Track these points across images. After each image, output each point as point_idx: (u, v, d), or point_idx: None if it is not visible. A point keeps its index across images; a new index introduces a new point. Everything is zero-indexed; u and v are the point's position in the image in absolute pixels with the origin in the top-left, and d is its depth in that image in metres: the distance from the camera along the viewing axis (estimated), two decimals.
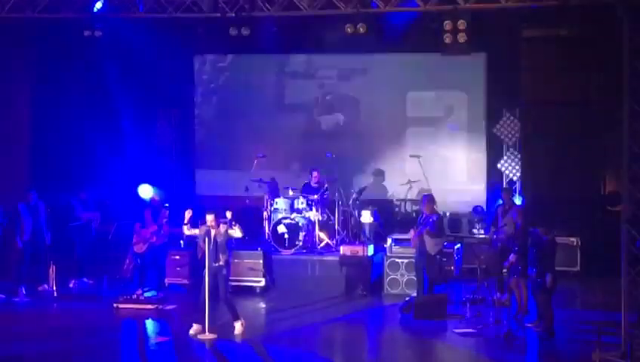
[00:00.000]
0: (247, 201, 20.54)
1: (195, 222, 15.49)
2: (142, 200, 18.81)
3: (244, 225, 20.00)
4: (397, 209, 21.83)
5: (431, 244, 16.64)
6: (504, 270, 16.44)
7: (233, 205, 20.84)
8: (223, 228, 15.15)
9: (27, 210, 18.01)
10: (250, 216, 20.59)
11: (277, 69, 22.46)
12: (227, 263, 15.21)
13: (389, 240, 18.30)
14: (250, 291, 18.09)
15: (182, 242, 18.44)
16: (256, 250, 18.85)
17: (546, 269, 14.63)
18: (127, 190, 19.65)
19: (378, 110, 21.93)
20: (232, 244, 15.33)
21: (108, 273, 18.69)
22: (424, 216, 16.90)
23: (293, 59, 22.29)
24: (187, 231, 15.48)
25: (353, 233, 20.06)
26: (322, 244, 19.54)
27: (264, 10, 17.14)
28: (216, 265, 14.89)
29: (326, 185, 20.17)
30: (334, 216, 19.80)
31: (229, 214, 15.31)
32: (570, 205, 19.14)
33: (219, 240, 14.97)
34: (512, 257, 15.54)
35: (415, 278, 17.28)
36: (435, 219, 16.71)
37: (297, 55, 22.16)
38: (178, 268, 18.62)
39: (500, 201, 18.09)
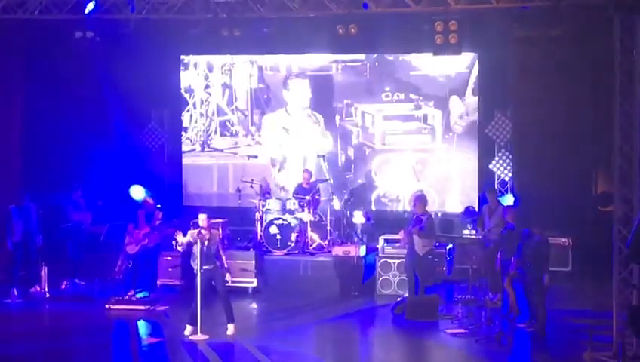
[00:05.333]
0: (238, 201, 20.62)
1: (185, 225, 15.49)
2: (134, 202, 18.80)
3: (236, 227, 20.33)
4: (389, 209, 21.84)
5: (420, 244, 16.65)
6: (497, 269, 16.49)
7: (223, 207, 21.11)
8: (215, 233, 15.19)
9: (18, 213, 18.00)
10: (241, 217, 20.75)
11: (269, 70, 22.44)
12: (222, 267, 15.17)
13: (381, 241, 18.32)
14: (242, 292, 18.08)
15: (174, 243, 18.42)
16: (249, 250, 18.91)
17: (543, 270, 14.66)
18: (120, 191, 19.63)
19: (370, 111, 21.92)
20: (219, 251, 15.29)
21: (100, 274, 18.72)
22: (415, 216, 16.93)
23: (285, 60, 22.27)
24: (180, 246, 15.35)
25: (345, 234, 20.08)
26: (314, 245, 19.55)
27: (255, 11, 17.15)
28: (207, 268, 14.87)
29: (318, 186, 20.21)
30: (326, 216, 19.82)
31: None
32: (561, 205, 19.15)
33: (211, 246, 14.94)
34: (513, 260, 15.47)
35: (407, 279, 17.29)
36: (425, 218, 16.73)
37: (289, 55, 22.14)
38: (170, 269, 18.63)
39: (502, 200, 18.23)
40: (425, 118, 21.62)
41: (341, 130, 22.02)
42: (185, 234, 15.17)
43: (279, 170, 22.27)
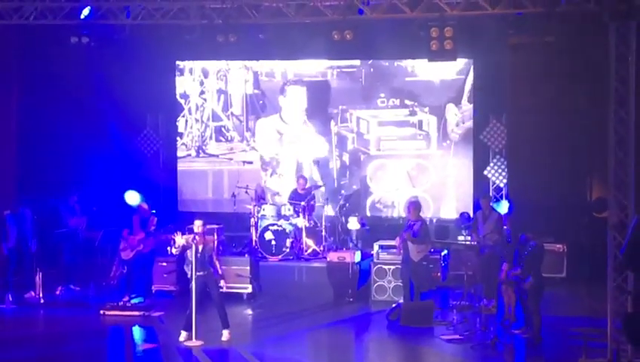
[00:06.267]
0: (233, 207, 20.63)
1: (181, 231, 15.47)
2: (129, 207, 18.80)
3: (231, 233, 20.31)
4: (384, 215, 21.85)
5: (414, 251, 16.65)
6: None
7: (218, 212, 21.09)
8: (209, 239, 15.20)
9: (13, 219, 17.97)
10: (236, 223, 20.76)
11: (265, 75, 22.45)
12: (216, 273, 15.18)
13: (376, 247, 18.33)
14: (237, 298, 18.06)
15: (169, 249, 18.40)
16: (244, 256, 18.90)
17: (529, 273, 14.65)
18: (115, 197, 19.61)
19: (365, 116, 21.94)
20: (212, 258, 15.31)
21: (95, 280, 18.71)
22: (409, 222, 16.93)
23: (280, 66, 22.29)
24: (176, 248, 15.31)
25: (340, 239, 20.07)
26: (309, 251, 19.54)
27: (251, 17, 17.15)
28: (201, 274, 14.87)
29: (313, 192, 20.21)
30: (321, 222, 19.81)
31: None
32: (556, 211, 19.17)
33: (204, 252, 14.94)
34: (504, 266, 15.49)
35: (402, 285, 17.29)
36: (419, 225, 16.72)
37: (284, 61, 22.15)
38: (165, 275, 18.59)
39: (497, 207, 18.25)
40: (420, 124, 21.64)
41: (336, 135, 22.02)
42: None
43: (271, 175, 22.27)
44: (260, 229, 19.47)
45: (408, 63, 21.51)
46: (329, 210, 20.40)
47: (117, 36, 18.35)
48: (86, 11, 17.71)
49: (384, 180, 21.86)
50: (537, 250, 14.86)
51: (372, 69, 21.85)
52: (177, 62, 22.64)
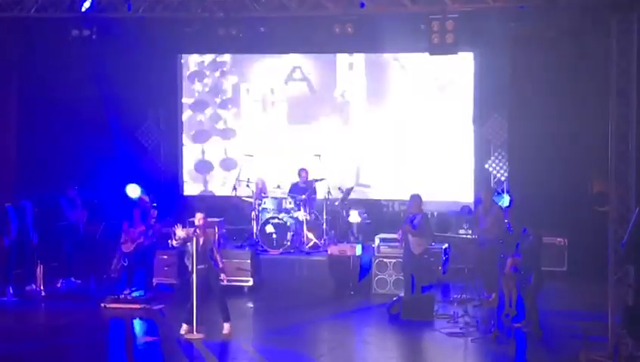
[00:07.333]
0: (235, 200, 20.63)
1: (182, 224, 15.46)
2: (130, 200, 18.79)
3: (232, 226, 20.32)
4: (385, 209, 21.83)
5: (414, 244, 16.66)
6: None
7: (221, 204, 21.10)
8: (210, 233, 15.20)
9: (14, 211, 17.97)
10: (237, 216, 20.77)
11: (266, 69, 22.44)
12: (216, 266, 15.18)
13: (377, 240, 18.32)
14: (238, 291, 18.05)
15: (169, 242, 18.38)
16: (244, 249, 18.89)
17: (531, 268, 14.67)
18: (115, 189, 19.62)
19: (366, 111, 21.94)
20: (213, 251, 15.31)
21: (96, 273, 18.69)
22: (410, 215, 16.92)
23: (282, 59, 22.28)
24: (176, 241, 15.30)
25: (341, 233, 20.06)
26: (310, 244, 19.56)
27: (252, 10, 17.13)
28: (201, 267, 14.86)
29: (314, 185, 20.20)
30: (322, 215, 19.80)
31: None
32: (557, 205, 19.15)
33: (205, 245, 14.94)
34: (509, 260, 15.47)
35: (403, 278, 17.29)
36: (419, 218, 16.72)
37: (285, 55, 22.15)
38: (166, 268, 18.56)
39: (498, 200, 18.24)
40: (421, 118, 21.63)
41: (339, 129, 22.02)
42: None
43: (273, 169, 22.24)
44: (260, 222, 19.48)
45: (409, 56, 21.46)
46: (332, 204, 20.37)
47: (118, 29, 18.34)
48: (87, 4, 17.70)
49: (386, 174, 21.82)
50: (535, 245, 14.86)
51: (373, 63, 21.84)
52: (178, 55, 22.64)
